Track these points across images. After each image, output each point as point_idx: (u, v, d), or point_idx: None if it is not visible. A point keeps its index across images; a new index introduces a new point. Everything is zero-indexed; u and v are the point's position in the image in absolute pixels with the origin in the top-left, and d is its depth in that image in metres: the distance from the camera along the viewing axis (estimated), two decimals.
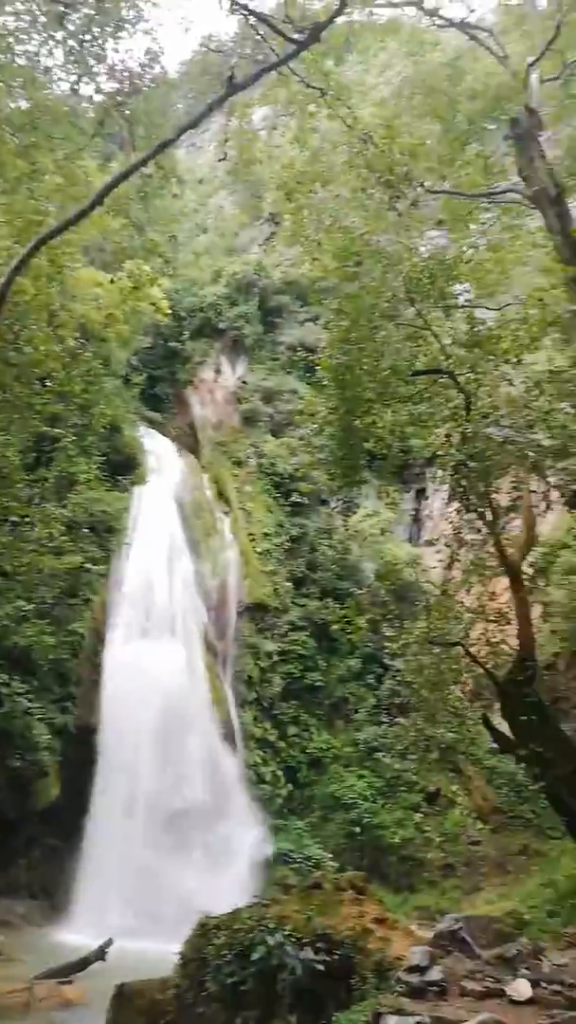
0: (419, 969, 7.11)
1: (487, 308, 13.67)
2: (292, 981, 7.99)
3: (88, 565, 22.37)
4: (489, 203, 15.51)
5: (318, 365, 13.88)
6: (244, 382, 36.72)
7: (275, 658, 28.65)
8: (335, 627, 19.87)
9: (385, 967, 7.93)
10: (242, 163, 18.75)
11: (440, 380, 13.54)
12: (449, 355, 12.90)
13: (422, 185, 14.75)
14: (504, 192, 15.43)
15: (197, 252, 39.69)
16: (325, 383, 13.73)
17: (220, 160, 23.01)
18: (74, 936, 17.38)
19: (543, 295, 12.42)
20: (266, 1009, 8.02)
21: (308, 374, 29.55)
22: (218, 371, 37.30)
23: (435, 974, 7.04)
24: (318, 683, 28.64)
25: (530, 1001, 6.56)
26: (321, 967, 8.09)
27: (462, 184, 15.48)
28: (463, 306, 13.50)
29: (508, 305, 13.89)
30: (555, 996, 6.63)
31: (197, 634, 26.85)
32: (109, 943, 14.86)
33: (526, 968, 7.59)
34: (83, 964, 14.27)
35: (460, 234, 15.59)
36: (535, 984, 6.89)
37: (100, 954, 14.55)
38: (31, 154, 13.80)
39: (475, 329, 12.44)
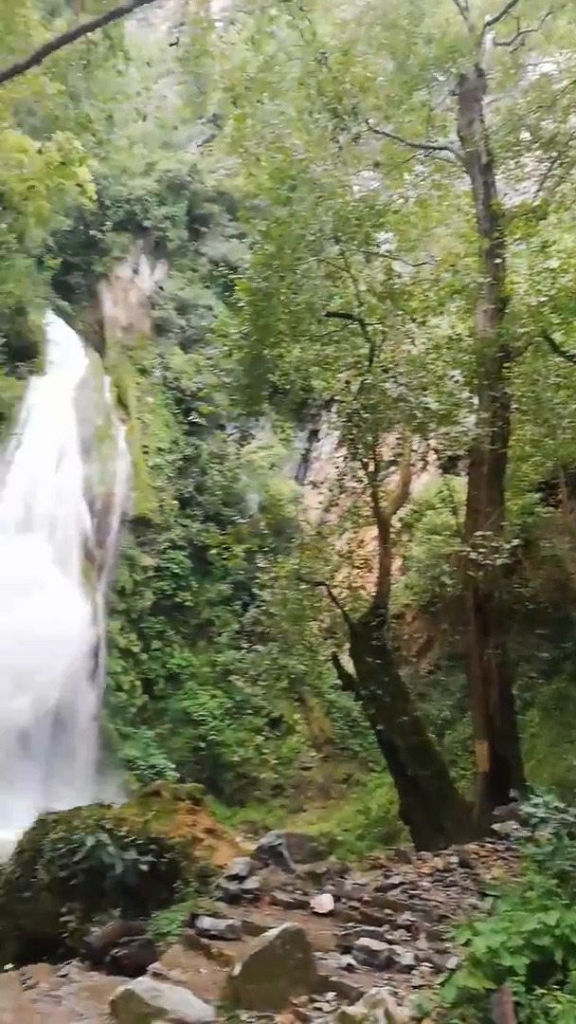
0: (238, 878, 7.72)
1: (405, 262, 13.77)
2: (117, 879, 8.43)
3: None
4: (425, 156, 15.40)
5: (237, 286, 13.61)
6: (161, 288, 35.36)
7: (150, 573, 28.82)
8: (213, 551, 20.19)
9: (208, 873, 8.50)
10: (194, 53, 17.47)
11: (350, 325, 13.68)
12: (363, 302, 13.02)
13: (367, 122, 14.46)
14: (441, 148, 15.32)
15: (132, 139, 37.07)
16: (241, 305, 13.51)
17: (171, 45, 21.30)
18: None
19: (456, 261, 12.65)
20: (92, 902, 8.42)
21: (226, 293, 28.82)
22: (136, 271, 35.68)
23: (251, 883, 7.67)
24: (187, 603, 29.12)
25: (330, 914, 7.30)
26: (146, 868, 8.57)
27: (404, 131, 15.22)
28: (383, 255, 13.53)
29: (424, 264, 14.06)
30: (351, 911, 7.40)
31: (77, 538, 26.48)
32: None
33: (331, 884, 8.38)
34: None
35: (393, 182, 15.45)
36: (336, 899, 7.65)
37: None
38: None
39: (391, 281, 12.58)
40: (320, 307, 13.21)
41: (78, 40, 12.17)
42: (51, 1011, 5.36)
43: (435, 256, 14.33)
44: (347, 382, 13.32)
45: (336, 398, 13.97)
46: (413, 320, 12.52)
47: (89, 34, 12.20)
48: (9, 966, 6.71)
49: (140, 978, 5.22)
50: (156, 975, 5.32)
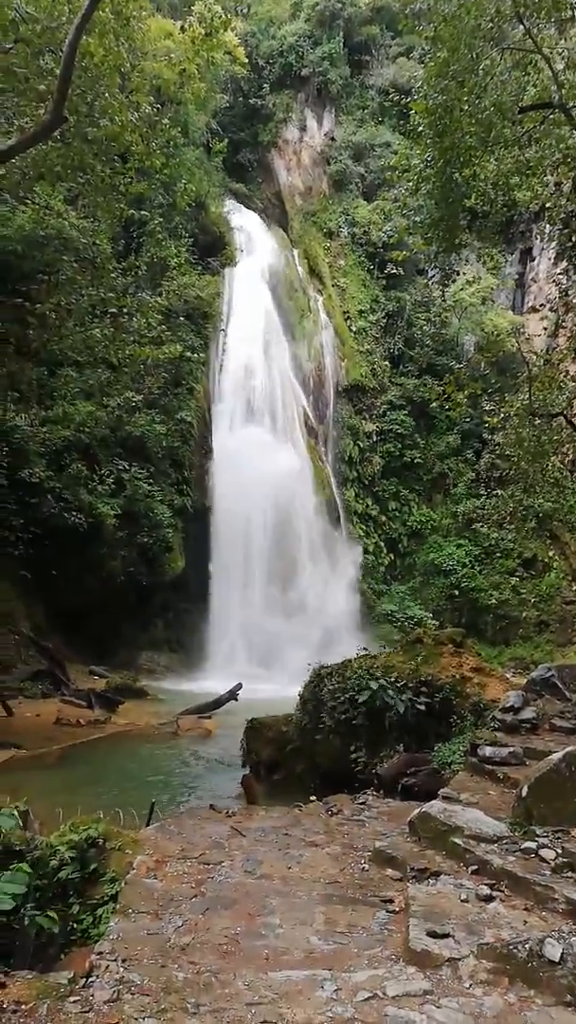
0: (513, 709, 7.92)
1: None
2: (397, 719, 9.12)
3: (188, 353, 22.57)
4: None
5: (412, 109, 12.29)
6: (332, 139, 33.34)
7: (374, 438, 29.10)
8: (433, 405, 19.67)
9: (482, 708, 8.84)
10: None
11: (551, 117, 11.83)
12: (562, 84, 11.12)
13: None
14: None
15: None
16: (421, 130, 12.21)
17: None
18: (208, 683, 20.06)
19: None
20: (375, 740, 9.25)
21: (402, 122, 26.44)
22: (303, 128, 33.91)
23: (527, 714, 7.84)
24: (417, 460, 29.10)
25: None
26: (422, 707, 9.15)
27: None
28: None
29: None
30: None
31: (297, 417, 27.40)
32: (239, 687, 17.06)
33: None
34: (218, 703, 16.57)
35: None
36: None
37: (232, 695, 16.79)
38: None
39: None
40: (511, 105, 11.54)
41: None
42: (357, 832, 6.07)
43: None
44: (557, 184, 11.72)
45: (547, 206, 12.37)
46: None
47: None
48: (312, 798, 7.67)
49: (432, 801, 5.67)
50: (447, 798, 5.73)
